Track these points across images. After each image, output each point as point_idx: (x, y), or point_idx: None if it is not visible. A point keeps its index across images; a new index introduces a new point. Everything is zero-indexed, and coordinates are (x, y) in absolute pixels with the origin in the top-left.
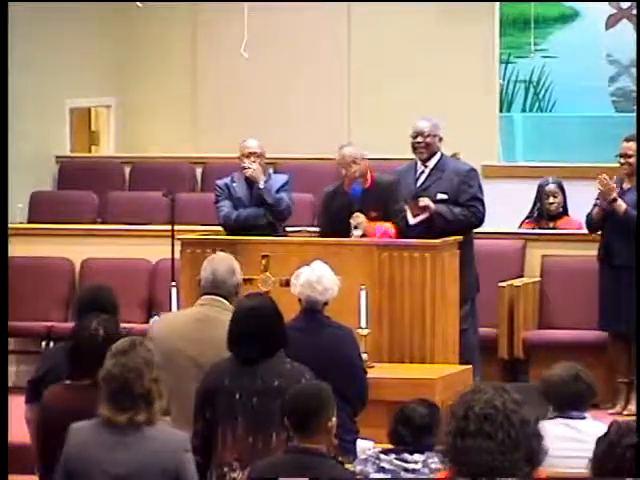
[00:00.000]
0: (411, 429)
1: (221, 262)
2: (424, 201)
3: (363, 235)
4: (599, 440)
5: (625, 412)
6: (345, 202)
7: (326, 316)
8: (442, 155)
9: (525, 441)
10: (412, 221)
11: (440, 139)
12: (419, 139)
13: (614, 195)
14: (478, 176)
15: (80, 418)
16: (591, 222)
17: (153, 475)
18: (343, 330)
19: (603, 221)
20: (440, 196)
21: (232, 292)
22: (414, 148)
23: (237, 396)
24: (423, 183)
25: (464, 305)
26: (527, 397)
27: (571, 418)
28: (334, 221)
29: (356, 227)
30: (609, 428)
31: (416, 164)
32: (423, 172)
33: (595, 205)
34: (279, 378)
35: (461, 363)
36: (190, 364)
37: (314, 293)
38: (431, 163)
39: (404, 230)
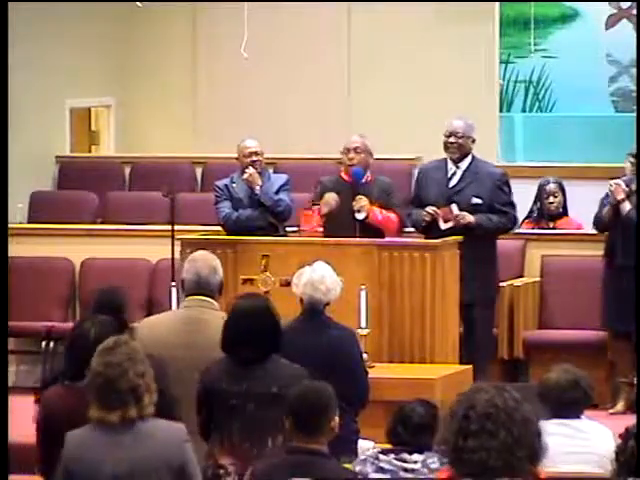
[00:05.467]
0: (410, 429)
1: (203, 262)
2: (464, 217)
3: (366, 218)
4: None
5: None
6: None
7: (327, 317)
8: (474, 157)
9: (528, 439)
10: (443, 226)
11: (473, 141)
12: (452, 139)
13: (622, 195)
14: (509, 179)
15: (79, 418)
16: (600, 221)
17: (157, 469)
18: (345, 331)
19: (614, 220)
20: (475, 200)
21: (216, 291)
22: (446, 147)
23: (233, 401)
24: (456, 185)
25: (490, 307)
26: (527, 397)
27: (567, 418)
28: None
29: (359, 210)
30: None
31: (446, 163)
32: (455, 173)
33: (604, 205)
34: (277, 384)
35: (461, 363)
36: (188, 369)
37: (317, 294)
38: (463, 164)
39: (405, 223)
